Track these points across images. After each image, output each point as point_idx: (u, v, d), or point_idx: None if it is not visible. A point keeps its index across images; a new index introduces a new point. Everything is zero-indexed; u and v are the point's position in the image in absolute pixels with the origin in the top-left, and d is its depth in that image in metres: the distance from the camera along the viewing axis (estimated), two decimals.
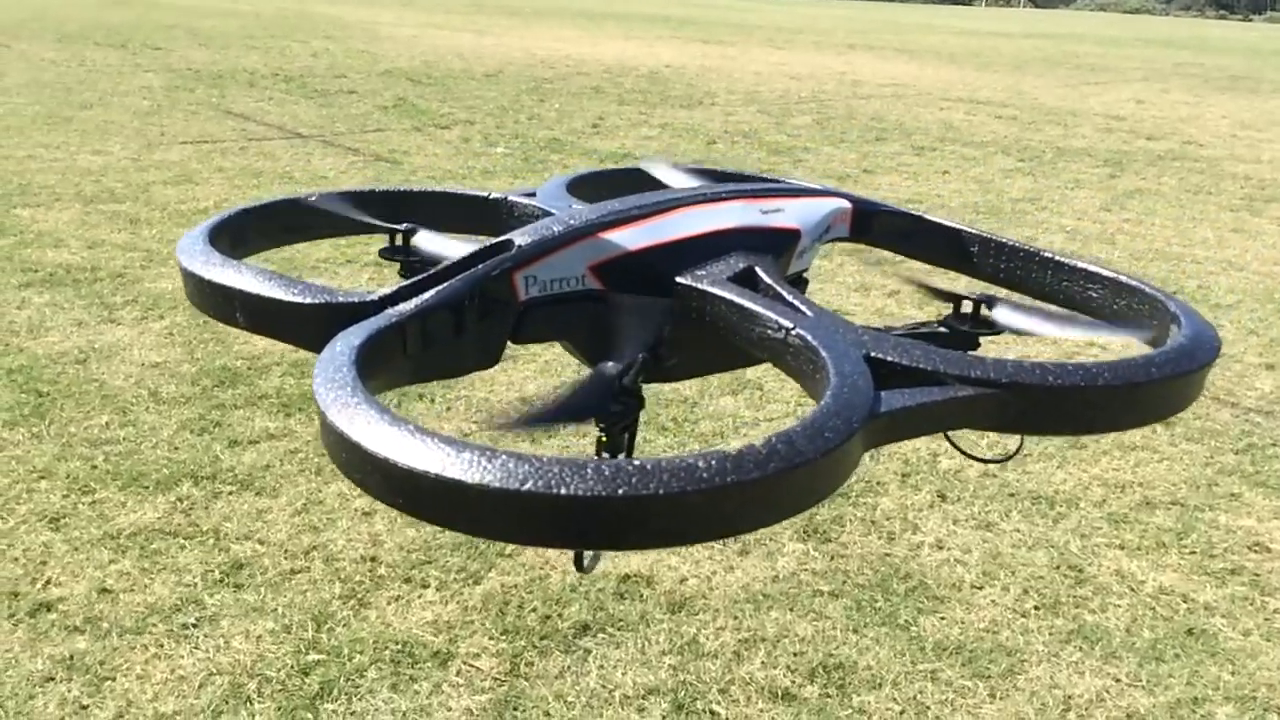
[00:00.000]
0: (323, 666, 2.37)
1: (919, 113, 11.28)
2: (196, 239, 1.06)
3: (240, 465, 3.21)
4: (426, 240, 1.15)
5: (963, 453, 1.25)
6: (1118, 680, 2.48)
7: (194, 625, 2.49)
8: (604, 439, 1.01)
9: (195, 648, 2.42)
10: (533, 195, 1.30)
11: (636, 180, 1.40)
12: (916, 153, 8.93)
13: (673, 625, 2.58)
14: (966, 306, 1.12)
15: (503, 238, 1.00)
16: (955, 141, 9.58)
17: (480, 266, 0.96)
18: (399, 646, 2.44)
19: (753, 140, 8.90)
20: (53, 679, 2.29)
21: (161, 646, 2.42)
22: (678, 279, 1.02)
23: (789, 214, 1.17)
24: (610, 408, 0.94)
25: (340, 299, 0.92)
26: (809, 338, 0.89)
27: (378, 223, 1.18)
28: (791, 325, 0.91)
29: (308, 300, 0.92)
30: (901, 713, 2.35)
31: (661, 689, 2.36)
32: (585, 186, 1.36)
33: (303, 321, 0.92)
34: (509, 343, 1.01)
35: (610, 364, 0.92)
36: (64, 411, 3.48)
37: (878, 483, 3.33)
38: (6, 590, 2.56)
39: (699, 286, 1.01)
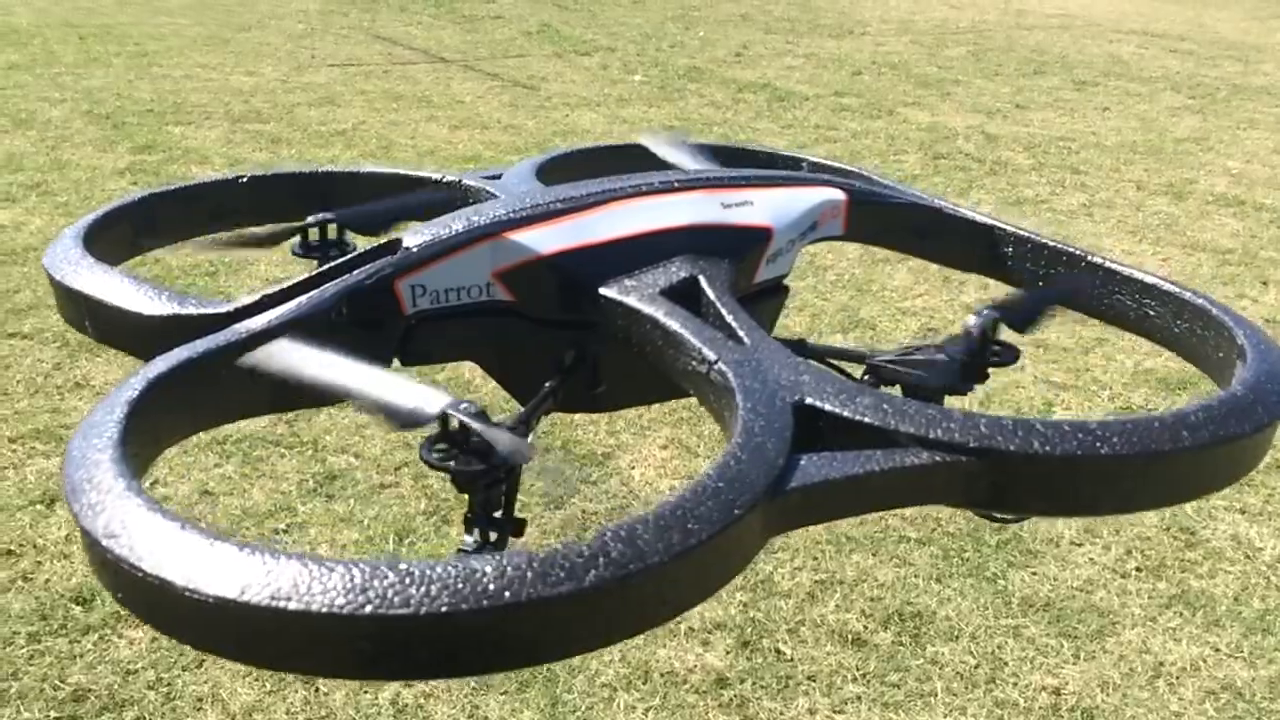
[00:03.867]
0: None
1: (1085, 45, 10.66)
2: (70, 238, 0.93)
3: None
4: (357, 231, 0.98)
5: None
6: (1216, 650, 2.34)
7: (284, 531, 2.58)
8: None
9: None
10: (497, 178, 1.11)
11: (627, 161, 1.17)
12: (1076, 88, 8.46)
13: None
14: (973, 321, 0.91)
15: (391, 237, 0.85)
16: (1121, 76, 9.03)
17: (352, 275, 0.80)
18: None
19: (900, 72, 8.58)
20: None
21: None
22: (602, 290, 0.84)
23: (759, 208, 0.95)
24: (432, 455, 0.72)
25: (191, 309, 0.79)
26: (729, 377, 0.72)
27: (281, 221, 1.00)
28: (715, 358, 0.74)
29: (147, 311, 0.80)
30: (976, 666, 2.27)
31: (729, 624, 2.33)
32: (561, 170, 1.15)
33: (146, 335, 0.80)
34: (397, 364, 0.85)
35: (465, 405, 0.69)
36: None
37: None
38: None
39: (624, 301, 0.82)
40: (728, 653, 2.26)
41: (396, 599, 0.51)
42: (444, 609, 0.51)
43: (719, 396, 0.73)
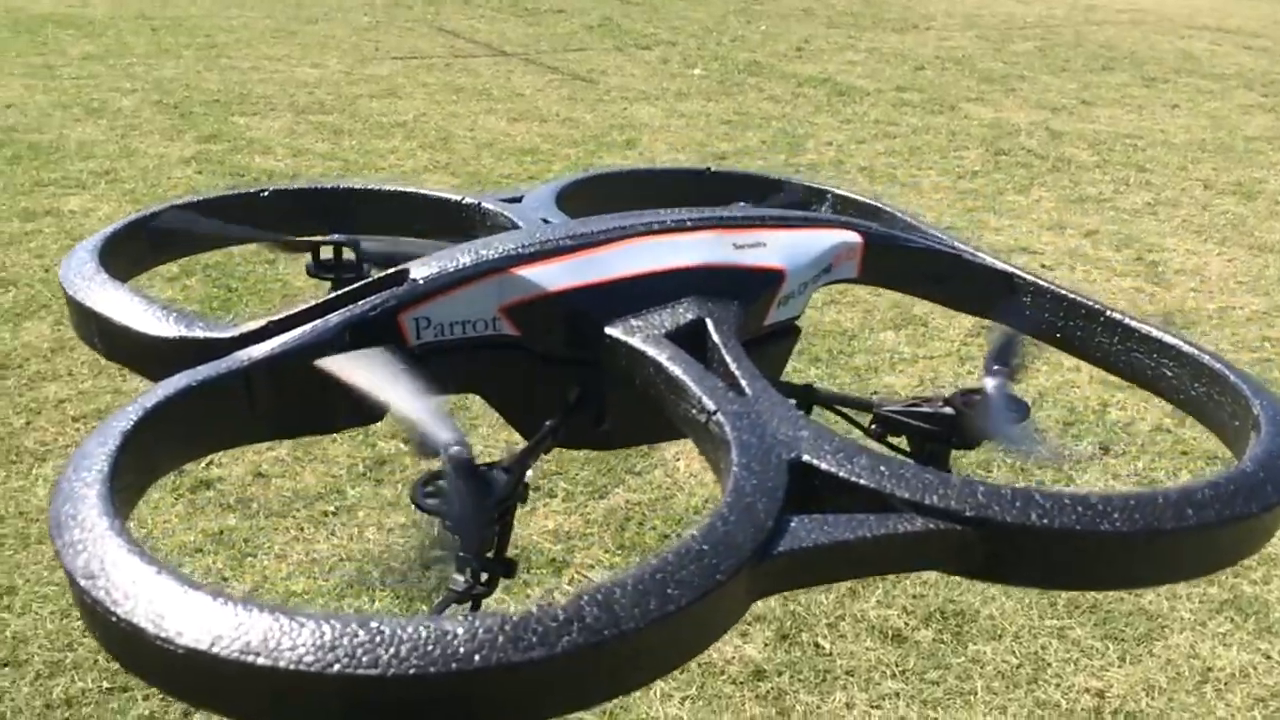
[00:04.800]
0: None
1: (1156, 41, 10.44)
2: (85, 251, 0.93)
3: None
4: (375, 251, 0.97)
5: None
6: (1268, 657, 2.29)
7: (333, 513, 2.63)
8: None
9: (331, 534, 2.56)
10: (518, 200, 1.10)
11: (650, 186, 1.16)
12: (1146, 84, 8.29)
13: None
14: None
15: (400, 267, 0.84)
16: (1192, 73, 8.83)
17: (357, 305, 0.79)
18: (517, 550, 2.50)
19: (964, 67, 8.47)
20: (201, 550, 2.48)
21: (302, 530, 2.57)
22: (607, 329, 0.83)
23: (772, 249, 0.93)
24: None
25: (198, 332, 0.79)
26: (726, 429, 0.70)
27: (300, 236, 0.99)
28: (714, 409, 0.72)
29: (153, 332, 0.80)
30: (1018, 666, 2.25)
31: (769, 616, 2.33)
32: (583, 194, 1.14)
33: (153, 355, 0.80)
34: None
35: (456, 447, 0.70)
36: (248, 306, 3.71)
37: (1035, 429, 3.15)
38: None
39: (628, 342, 0.81)
40: (766, 645, 2.27)
41: (365, 659, 0.51)
42: (412, 671, 0.51)
43: (715, 448, 0.71)
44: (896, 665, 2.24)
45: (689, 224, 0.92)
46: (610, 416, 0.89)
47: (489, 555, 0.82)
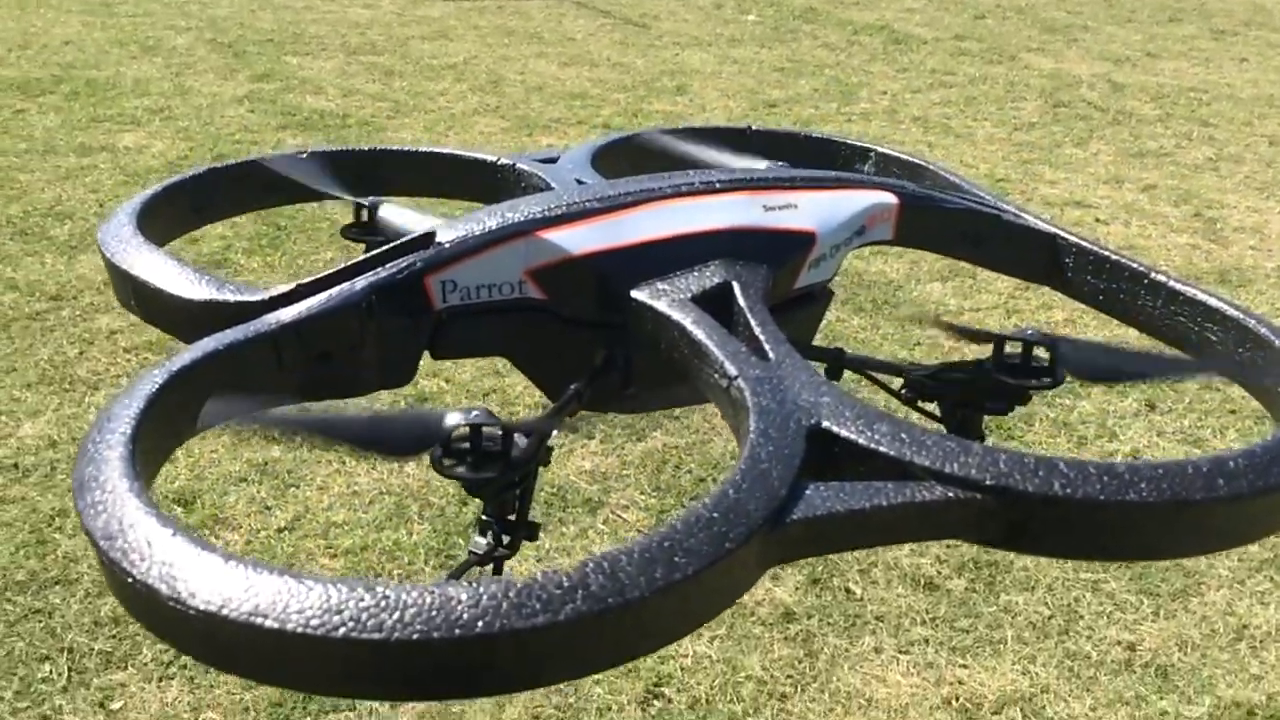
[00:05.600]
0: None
1: None
2: (125, 214, 0.94)
3: None
4: (395, 214, 0.98)
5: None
6: None
7: None
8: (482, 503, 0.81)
9: (372, 468, 2.60)
10: (554, 161, 1.09)
11: (686, 146, 1.16)
12: (1214, 36, 8.05)
13: None
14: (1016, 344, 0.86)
15: (425, 230, 0.84)
16: (1263, 26, 8.55)
17: (384, 268, 0.80)
18: (554, 490, 2.53)
19: (1026, 16, 8.27)
20: (246, 480, 2.53)
21: (344, 464, 2.61)
22: (632, 293, 0.82)
23: (803, 211, 0.91)
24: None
25: (228, 295, 0.80)
26: (746, 395, 0.69)
27: (339, 194, 1.01)
28: (735, 374, 0.71)
29: (185, 295, 0.81)
30: (1050, 617, 2.24)
31: (801, 561, 2.34)
32: (618, 155, 1.13)
33: (185, 318, 0.81)
34: (428, 357, 0.85)
35: (456, 415, 0.70)
36: (295, 244, 3.76)
37: (1080, 385, 3.12)
38: None
39: (653, 306, 0.80)
40: (797, 589, 2.28)
41: (370, 623, 0.51)
42: (415, 636, 0.51)
43: (736, 414, 0.70)
44: (927, 612, 2.24)
45: (718, 185, 0.91)
46: (637, 380, 0.89)
47: (511, 518, 0.83)
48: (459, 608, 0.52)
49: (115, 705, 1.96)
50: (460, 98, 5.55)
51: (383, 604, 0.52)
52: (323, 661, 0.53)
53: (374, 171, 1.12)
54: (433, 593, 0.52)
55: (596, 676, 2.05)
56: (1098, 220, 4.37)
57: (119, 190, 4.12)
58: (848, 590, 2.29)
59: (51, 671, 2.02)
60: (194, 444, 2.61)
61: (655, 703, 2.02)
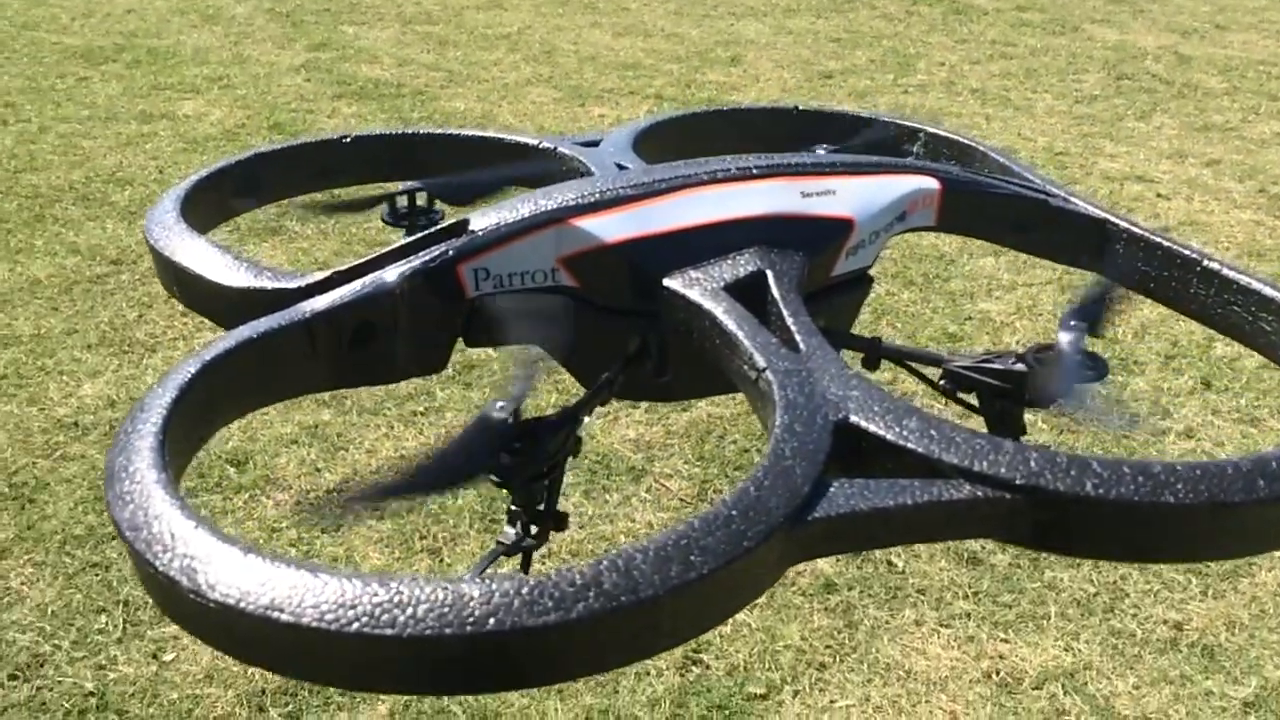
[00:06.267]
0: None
1: None
2: (170, 200, 0.95)
3: None
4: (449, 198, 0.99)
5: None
6: None
7: (422, 414, 2.71)
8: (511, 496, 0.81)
9: (420, 432, 2.64)
10: (596, 144, 1.08)
11: (730, 128, 1.14)
12: None
13: None
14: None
15: (459, 218, 0.84)
16: None
17: (417, 256, 0.80)
18: (598, 458, 2.55)
19: None
20: (297, 442, 2.58)
21: (392, 428, 2.65)
22: (665, 281, 0.81)
23: (841, 197, 0.90)
24: (490, 463, 0.73)
25: (265, 282, 0.80)
26: (774, 387, 0.68)
27: (379, 178, 1.01)
28: (764, 366, 0.70)
29: (223, 281, 0.82)
30: (1095, 595, 2.22)
31: None
32: (661, 137, 1.12)
33: (223, 304, 0.82)
34: (462, 344, 0.85)
35: (500, 404, 0.72)
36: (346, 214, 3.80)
37: (1135, 361, 3.07)
38: None
39: (685, 294, 0.79)
40: (838, 560, 2.28)
41: (383, 618, 0.52)
42: (427, 632, 0.52)
43: (764, 406, 0.69)
44: (969, 587, 2.23)
45: (755, 171, 0.89)
46: (670, 369, 0.88)
47: (539, 508, 0.83)
48: (472, 604, 0.52)
49: (168, 657, 2.02)
50: (514, 68, 5.56)
51: (396, 599, 0.52)
52: (337, 656, 0.54)
53: (414, 156, 1.13)
54: (446, 589, 0.53)
55: None
56: (1159, 195, 4.28)
57: (178, 158, 4.20)
58: (890, 563, 2.28)
59: (107, 623, 2.08)
60: None
61: (693, 669, 2.04)
